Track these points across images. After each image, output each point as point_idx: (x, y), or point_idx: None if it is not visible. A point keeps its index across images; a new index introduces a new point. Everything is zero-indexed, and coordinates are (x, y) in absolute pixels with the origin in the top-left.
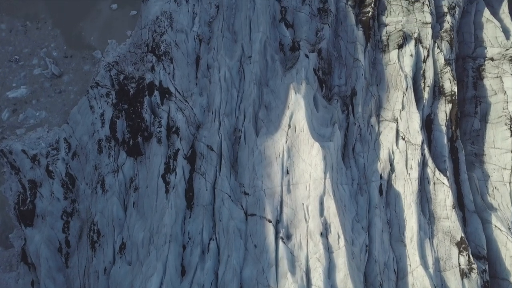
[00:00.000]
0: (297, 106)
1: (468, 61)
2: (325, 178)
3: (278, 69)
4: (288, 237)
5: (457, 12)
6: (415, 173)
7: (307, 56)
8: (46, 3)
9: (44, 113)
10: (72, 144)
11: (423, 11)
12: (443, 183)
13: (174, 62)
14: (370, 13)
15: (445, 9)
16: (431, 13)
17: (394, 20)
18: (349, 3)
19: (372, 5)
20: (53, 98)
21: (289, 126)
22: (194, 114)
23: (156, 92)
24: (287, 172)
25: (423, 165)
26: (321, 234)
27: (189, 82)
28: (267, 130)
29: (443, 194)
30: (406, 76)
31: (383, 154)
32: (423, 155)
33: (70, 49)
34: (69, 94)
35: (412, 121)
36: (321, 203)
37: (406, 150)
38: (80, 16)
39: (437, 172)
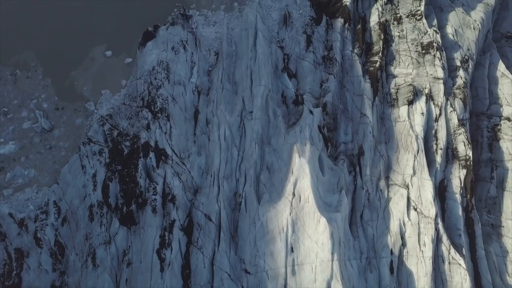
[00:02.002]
0: (301, 172)
1: (482, 118)
2: (332, 260)
3: (280, 125)
4: None
5: (470, 66)
6: (428, 251)
7: (311, 112)
8: (36, 49)
9: (33, 171)
10: (62, 208)
11: (434, 65)
12: (460, 264)
13: (171, 120)
14: (378, 63)
15: (458, 63)
16: (443, 67)
17: (404, 72)
18: (356, 51)
19: (380, 54)
20: (43, 155)
21: (294, 194)
22: (192, 177)
23: (151, 154)
24: (292, 250)
25: (437, 241)
26: None
27: (186, 140)
28: (269, 197)
29: (459, 277)
30: (417, 137)
31: (394, 226)
32: (437, 229)
33: (61, 100)
34: (59, 150)
35: (425, 190)
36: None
37: (418, 223)
38: (73, 64)
39: (452, 250)
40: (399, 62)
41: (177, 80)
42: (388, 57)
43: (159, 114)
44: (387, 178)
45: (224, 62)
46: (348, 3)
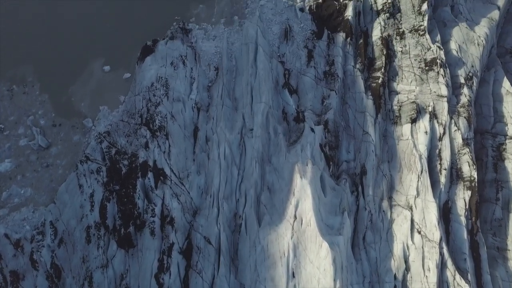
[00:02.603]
0: (303, 194)
1: (487, 137)
2: (335, 286)
3: (281, 144)
4: None
5: (474, 83)
6: (433, 277)
7: (312, 130)
8: (33, 64)
9: (30, 190)
10: (59, 229)
11: (438, 82)
12: None
13: (170, 138)
14: (381, 79)
15: (462, 80)
16: (447, 85)
17: (407, 88)
18: (358, 66)
19: (383, 70)
20: (39, 173)
21: (295, 217)
22: (191, 198)
23: (150, 174)
24: (293, 276)
25: (441, 265)
26: None
27: (186, 159)
28: (270, 219)
29: None
30: (420, 157)
31: (397, 249)
32: (441, 254)
33: (58, 116)
34: (56, 168)
35: (429, 212)
36: None
37: (422, 247)
38: (70, 79)
39: (457, 276)
40: (402, 78)
41: (176, 97)
42: (391, 73)
43: (157, 133)
44: (390, 198)
45: (224, 78)
46: (350, 17)
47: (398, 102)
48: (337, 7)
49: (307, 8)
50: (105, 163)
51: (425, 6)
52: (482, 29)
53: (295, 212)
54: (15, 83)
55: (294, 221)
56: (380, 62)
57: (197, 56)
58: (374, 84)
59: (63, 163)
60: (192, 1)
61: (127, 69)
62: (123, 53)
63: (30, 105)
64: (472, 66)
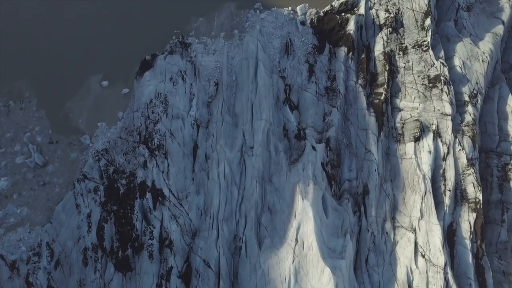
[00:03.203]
0: (304, 216)
1: (492, 156)
2: None
3: (282, 162)
4: None
5: (479, 101)
6: None
7: (314, 148)
8: (30, 79)
9: (26, 209)
10: (55, 250)
11: (441, 99)
12: None
13: (169, 157)
14: (383, 95)
15: (466, 97)
16: (451, 103)
17: (410, 105)
18: (360, 82)
19: (385, 86)
20: (36, 192)
21: (296, 240)
22: (190, 220)
23: (148, 195)
24: None
25: None
26: None
27: (185, 178)
28: (271, 242)
29: None
30: (424, 177)
31: (401, 273)
32: (446, 279)
33: (56, 133)
34: (53, 186)
35: (433, 235)
36: None
37: (426, 272)
38: (68, 95)
39: None
40: (405, 94)
41: (176, 114)
42: (394, 89)
43: (156, 152)
44: (393, 219)
45: (224, 94)
46: (352, 32)
47: (401, 120)
48: (339, 21)
49: (308, 21)
50: (102, 182)
51: (428, 21)
52: (487, 44)
53: (297, 235)
54: (12, 99)
55: (295, 244)
56: (382, 77)
57: (197, 71)
58: (377, 101)
59: (60, 181)
60: (191, 14)
61: (126, 84)
62: (122, 67)
63: (27, 122)
64: (477, 83)
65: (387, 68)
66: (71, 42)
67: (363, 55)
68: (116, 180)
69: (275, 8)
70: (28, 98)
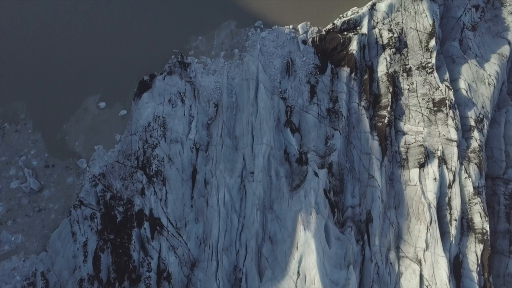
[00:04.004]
0: (307, 248)
1: (498, 183)
2: None
3: (283, 189)
4: None
5: (485, 126)
6: None
7: (316, 174)
8: (26, 101)
9: (21, 237)
10: (50, 281)
11: (447, 124)
12: None
13: (167, 184)
14: (387, 118)
15: (472, 122)
16: (457, 128)
17: (414, 129)
18: (362, 103)
19: (389, 108)
20: (31, 218)
21: (298, 274)
22: (189, 250)
23: (146, 224)
24: None
25: None
26: None
27: (183, 205)
28: (272, 274)
29: None
30: (429, 206)
31: None
32: None
33: (52, 157)
34: (49, 213)
35: (439, 268)
36: None
37: None
38: (64, 117)
39: None
40: (409, 118)
41: (174, 138)
42: (397, 112)
43: (154, 178)
44: (398, 248)
45: (224, 116)
46: (354, 52)
47: (405, 144)
48: (341, 40)
49: (310, 40)
50: (99, 209)
51: (433, 43)
52: (493, 66)
53: (299, 268)
54: (7, 121)
55: (297, 278)
56: (386, 99)
57: (196, 92)
58: (380, 124)
59: (55, 207)
60: (190, 33)
61: (124, 105)
62: (119, 88)
63: (22, 145)
64: (483, 107)
65: (391, 90)
66: (68, 61)
67: (366, 76)
68: (113, 207)
69: (276, 26)
70: (24, 120)
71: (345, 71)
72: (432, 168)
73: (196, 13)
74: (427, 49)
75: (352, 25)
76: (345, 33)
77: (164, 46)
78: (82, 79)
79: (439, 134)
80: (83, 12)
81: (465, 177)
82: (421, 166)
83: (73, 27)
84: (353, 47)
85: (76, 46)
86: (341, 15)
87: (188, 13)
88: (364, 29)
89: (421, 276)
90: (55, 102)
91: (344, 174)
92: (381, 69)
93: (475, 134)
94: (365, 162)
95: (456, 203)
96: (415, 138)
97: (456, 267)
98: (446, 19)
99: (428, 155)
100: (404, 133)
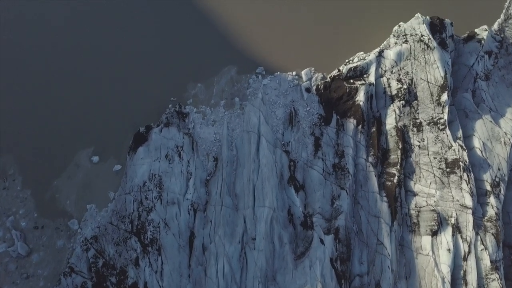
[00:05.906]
0: None
1: None
2: None
3: (287, 257)
4: None
5: (502, 191)
6: None
7: (322, 241)
8: (15, 155)
9: None
10: None
11: (461, 188)
12: None
13: (163, 253)
14: (396, 178)
15: (488, 186)
16: (471, 193)
17: (425, 191)
18: (370, 159)
19: (398, 166)
20: (18, 286)
21: None
22: None
23: None
24: None
25: None
26: None
27: (180, 276)
28: None
29: None
30: (443, 280)
31: None
32: None
33: (41, 217)
34: (38, 280)
35: None
36: None
37: None
38: (55, 172)
39: None
40: (420, 177)
41: (171, 199)
42: (407, 169)
43: (149, 248)
44: None
45: (223, 171)
46: (361, 103)
47: (416, 206)
48: (347, 90)
49: (314, 88)
50: (91, 277)
51: (445, 97)
52: (508, 123)
53: None
54: None
55: None
56: (395, 156)
57: (195, 144)
58: (389, 183)
59: (45, 273)
60: (189, 80)
61: (118, 160)
62: (113, 140)
63: (11, 203)
64: (499, 169)
65: (400, 146)
66: (59, 113)
67: (374, 129)
68: (106, 277)
69: (279, 72)
70: (12, 175)
71: (351, 123)
72: (446, 237)
73: (195, 58)
74: (439, 103)
75: (359, 73)
76: (351, 80)
77: (161, 93)
78: (74, 131)
79: (453, 198)
80: (75, 59)
81: (481, 249)
82: (434, 234)
83: (64, 75)
84: (360, 98)
85: (67, 95)
86: (346, 61)
87: (186, 58)
88: (372, 78)
89: None
90: (45, 156)
91: (351, 238)
92: (390, 121)
93: (492, 200)
94: (374, 226)
95: (472, 278)
96: (426, 201)
97: None
98: (458, 65)
99: (441, 222)
100: (414, 194)
